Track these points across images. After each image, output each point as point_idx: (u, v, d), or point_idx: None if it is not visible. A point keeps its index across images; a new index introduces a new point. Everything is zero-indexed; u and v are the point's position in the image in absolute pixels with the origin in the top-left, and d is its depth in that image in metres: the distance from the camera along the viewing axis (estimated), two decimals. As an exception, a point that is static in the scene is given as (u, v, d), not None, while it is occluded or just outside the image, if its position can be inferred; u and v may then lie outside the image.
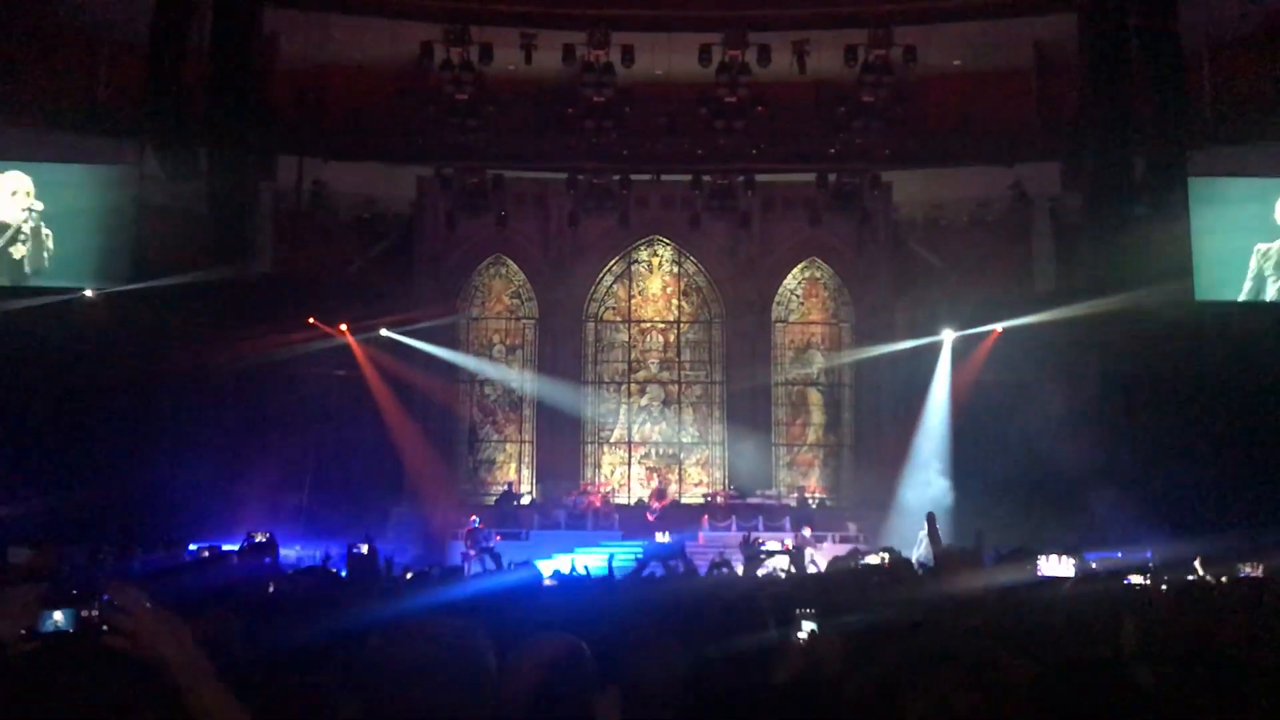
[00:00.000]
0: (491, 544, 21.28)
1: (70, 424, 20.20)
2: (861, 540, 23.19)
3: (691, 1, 24.13)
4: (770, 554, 12.21)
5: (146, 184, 21.89)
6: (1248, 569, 12.31)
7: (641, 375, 27.75)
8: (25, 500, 17.78)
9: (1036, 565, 7.44)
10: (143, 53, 21.37)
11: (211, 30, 21.38)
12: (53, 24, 22.95)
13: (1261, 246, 21.92)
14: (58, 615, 2.97)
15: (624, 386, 27.68)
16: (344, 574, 13.55)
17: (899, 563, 9.49)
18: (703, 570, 12.05)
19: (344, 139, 25.27)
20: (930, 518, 19.63)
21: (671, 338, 27.88)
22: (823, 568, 18.09)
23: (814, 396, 27.74)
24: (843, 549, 22.29)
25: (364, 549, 18.78)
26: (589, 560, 16.90)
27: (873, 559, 10.63)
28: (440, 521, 23.70)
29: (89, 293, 21.61)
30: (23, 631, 3.05)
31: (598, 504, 25.07)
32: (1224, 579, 11.10)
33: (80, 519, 17.30)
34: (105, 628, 2.77)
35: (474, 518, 22.79)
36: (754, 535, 20.57)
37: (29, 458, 19.48)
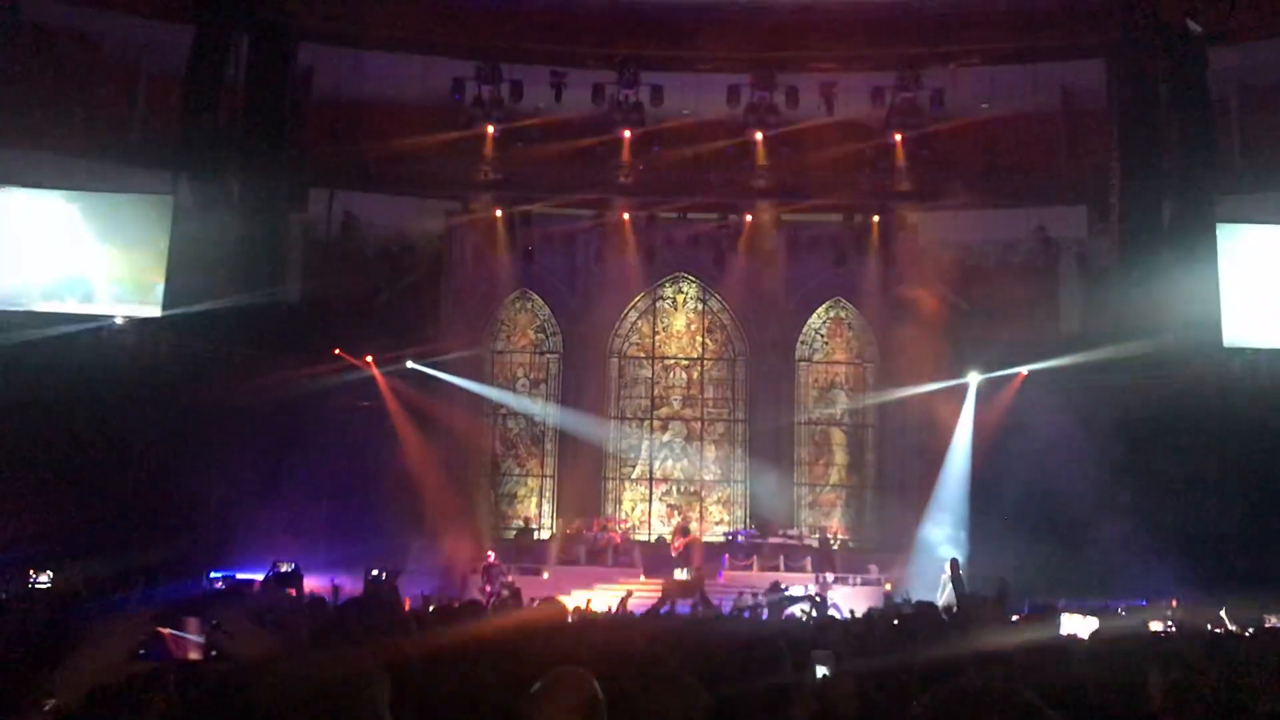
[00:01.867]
0: (506, 579, 21.31)
1: (97, 449, 20.35)
2: (882, 582, 23.09)
3: (721, 43, 24.31)
4: (794, 600, 12.19)
5: (179, 213, 22.19)
6: (1274, 620, 12.19)
7: (664, 411, 27.75)
8: (47, 524, 17.94)
9: (1059, 623, 7.36)
10: (179, 85, 21.75)
11: (247, 64, 21.75)
12: (92, 56, 23.38)
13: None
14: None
15: (647, 422, 27.68)
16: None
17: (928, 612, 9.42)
18: (726, 609, 12.02)
19: (374, 172, 25.53)
20: (954, 564, 19.54)
21: (695, 375, 27.89)
22: (844, 610, 18.04)
23: (837, 436, 27.67)
24: (864, 591, 22.24)
25: (382, 575, 19.02)
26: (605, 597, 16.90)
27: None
28: (461, 555, 23.68)
29: (119, 320, 21.85)
30: (141, 651, 3.12)
31: (618, 540, 25.02)
32: (1250, 630, 10.99)
33: (102, 544, 17.41)
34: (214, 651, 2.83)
35: (490, 552, 22.73)
36: (780, 583, 20.44)
37: (55, 482, 19.63)
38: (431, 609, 14.82)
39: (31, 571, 14.75)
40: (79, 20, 22.91)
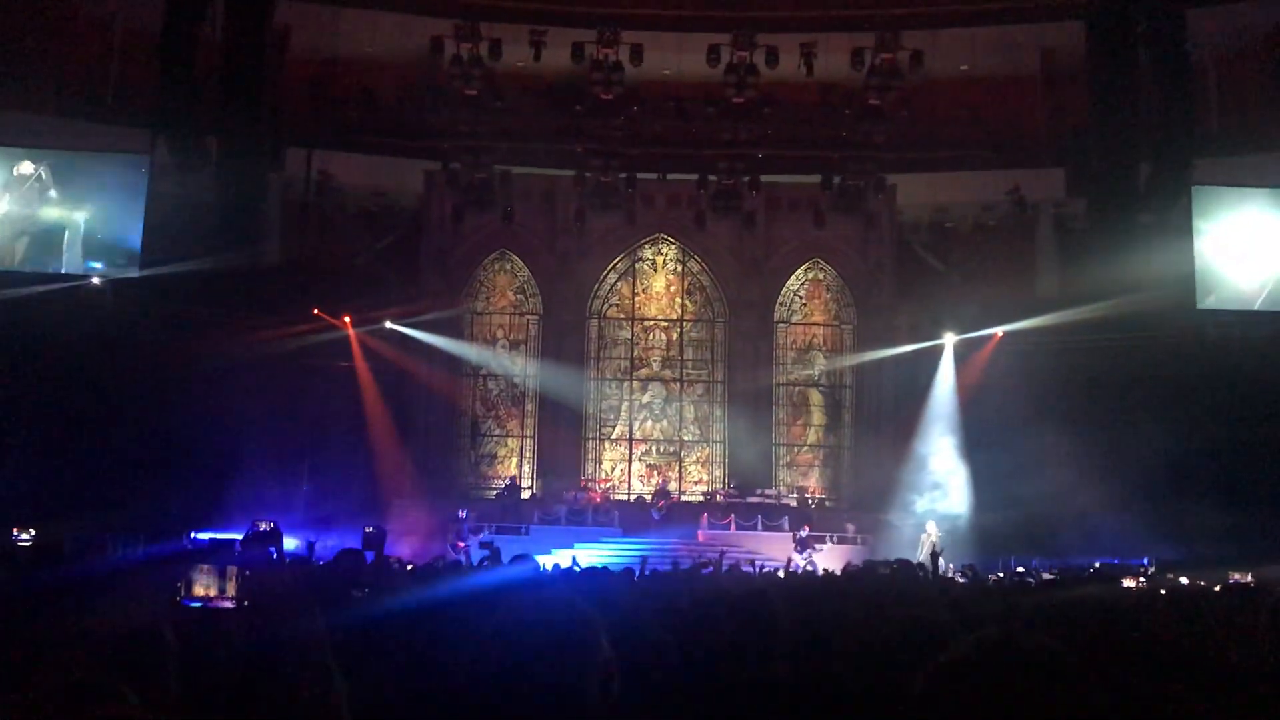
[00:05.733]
0: (478, 538, 21.52)
1: (71, 409, 20.28)
2: (859, 540, 23.39)
3: (701, 2, 24.20)
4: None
5: (156, 173, 22.02)
6: (1236, 575, 12.46)
7: (644, 372, 27.83)
8: (28, 481, 17.95)
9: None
10: (155, 43, 21.50)
11: (224, 21, 21.51)
12: (66, 13, 23.05)
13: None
14: None
15: (626, 383, 27.77)
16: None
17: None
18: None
19: (353, 132, 25.35)
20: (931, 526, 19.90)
21: (674, 336, 27.96)
22: (820, 568, 18.29)
23: (815, 397, 27.84)
24: (842, 549, 22.52)
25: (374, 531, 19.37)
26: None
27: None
28: (442, 515, 23.77)
29: (96, 280, 21.72)
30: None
31: (598, 500, 25.19)
32: (1216, 586, 11.23)
33: (83, 502, 17.42)
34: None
35: (462, 511, 22.83)
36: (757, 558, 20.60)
37: (34, 441, 19.59)
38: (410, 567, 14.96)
39: (15, 529, 14.78)
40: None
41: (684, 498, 26.44)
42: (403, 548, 22.02)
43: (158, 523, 18.06)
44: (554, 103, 25.19)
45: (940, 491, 23.30)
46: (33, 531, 15.13)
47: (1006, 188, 25.63)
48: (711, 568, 15.84)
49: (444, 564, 11.50)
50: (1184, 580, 13.39)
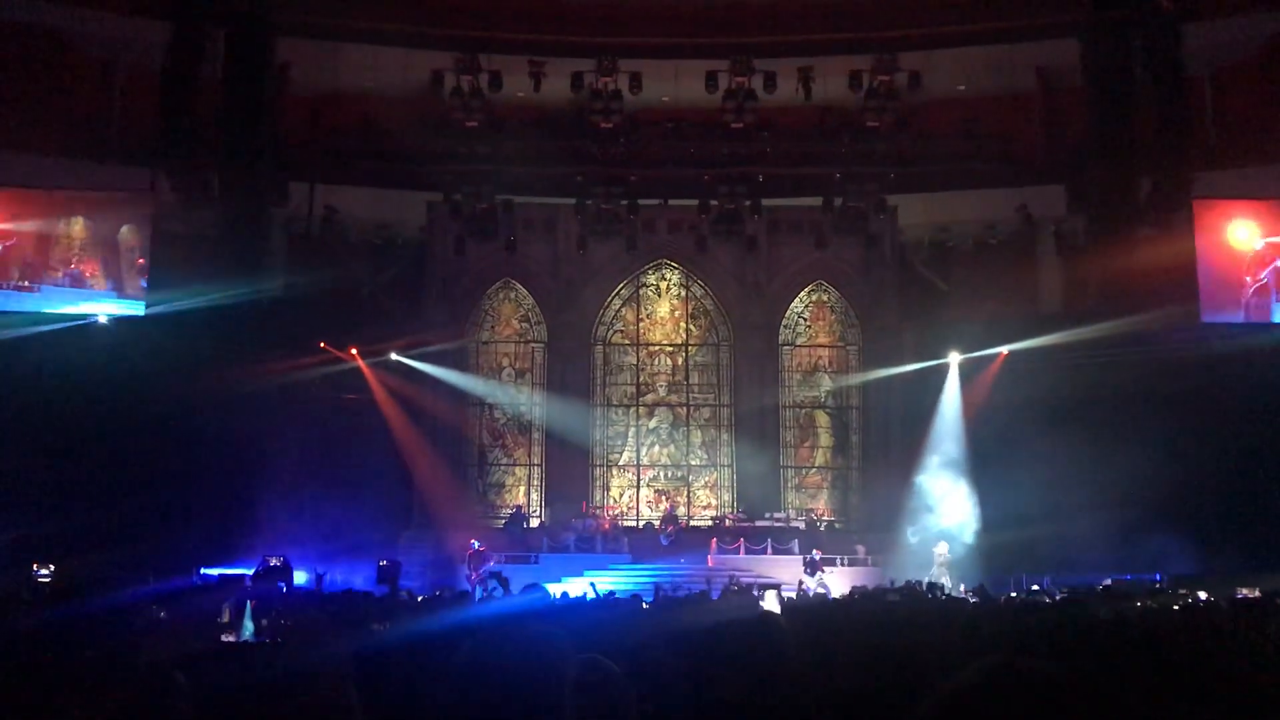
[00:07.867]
0: (491, 567, 21.41)
1: (81, 446, 20.32)
2: (870, 562, 23.32)
3: (698, 29, 24.35)
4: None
5: (160, 210, 22.16)
6: (1244, 591, 12.41)
7: (650, 398, 27.82)
8: (46, 518, 18.00)
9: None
10: (157, 82, 21.68)
11: (224, 59, 21.68)
12: (68, 54, 23.26)
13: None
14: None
15: (632, 409, 27.76)
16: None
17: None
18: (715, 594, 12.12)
19: (355, 165, 25.48)
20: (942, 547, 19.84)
21: (680, 361, 27.97)
22: (832, 590, 18.26)
23: (822, 419, 27.80)
24: (852, 571, 22.48)
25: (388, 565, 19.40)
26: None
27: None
28: (450, 545, 23.74)
29: (102, 318, 21.83)
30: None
31: (606, 527, 25.14)
32: (1223, 601, 11.20)
33: (100, 539, 17.44)
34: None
35: (474, 540, 22.73)
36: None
37: (44, 479, 19.62)
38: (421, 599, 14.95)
39: (35, 565, 14.88)
40: (52, 18, 22.82)
41: (692, 523, 26.38)
42: (413, 579, 22.01)
43: (169, 559, 18.09)
44: (554, 132, 25.31)
45: (949, 510, 23.23)
46: (52, 568, 15.22)
47: (1007, 205, 25.67)
48: (716, 592, 15.83)
49: (451, 595, 11.49)
50: (1202, 595, 13.34)
